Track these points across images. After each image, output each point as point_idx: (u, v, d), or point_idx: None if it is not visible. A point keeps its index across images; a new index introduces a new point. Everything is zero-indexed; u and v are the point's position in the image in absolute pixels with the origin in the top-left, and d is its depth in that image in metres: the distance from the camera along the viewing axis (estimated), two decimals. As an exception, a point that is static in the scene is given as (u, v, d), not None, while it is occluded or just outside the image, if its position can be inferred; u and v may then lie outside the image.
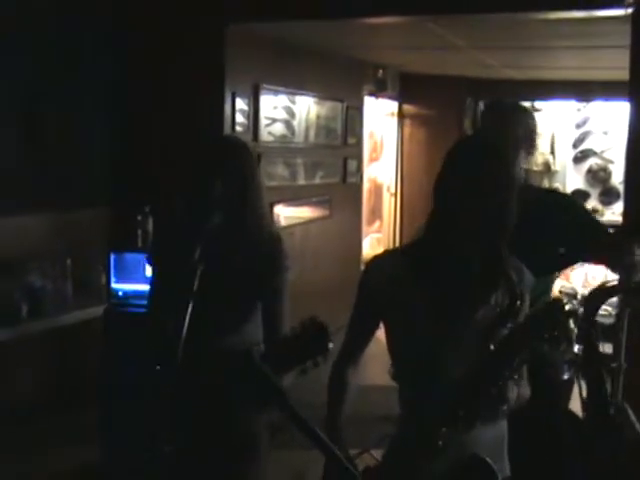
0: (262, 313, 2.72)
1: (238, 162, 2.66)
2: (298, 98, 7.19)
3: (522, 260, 2.28)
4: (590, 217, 3.47)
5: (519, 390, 2.20)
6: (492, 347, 2.06)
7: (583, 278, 8.39)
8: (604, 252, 3.22)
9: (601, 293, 3.11)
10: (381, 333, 2.39)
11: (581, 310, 3.06)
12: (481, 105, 10.02)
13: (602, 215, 9.36)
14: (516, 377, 2.17)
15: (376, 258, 2.43)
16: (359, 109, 8.48)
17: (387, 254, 2.46)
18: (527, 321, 2.09)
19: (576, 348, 3.67)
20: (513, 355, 2.07)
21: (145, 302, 2.94)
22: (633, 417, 3.15)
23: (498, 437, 2.28)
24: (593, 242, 3.20)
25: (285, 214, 6.95)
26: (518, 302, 2.12)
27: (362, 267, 9.46)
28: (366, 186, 9.23)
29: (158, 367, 2.33)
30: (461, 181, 2.13)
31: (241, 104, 6.11)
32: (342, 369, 2.39)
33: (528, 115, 3.35)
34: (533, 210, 2.93)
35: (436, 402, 2.09)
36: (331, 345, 1.98)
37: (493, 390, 2.06)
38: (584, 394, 3.15)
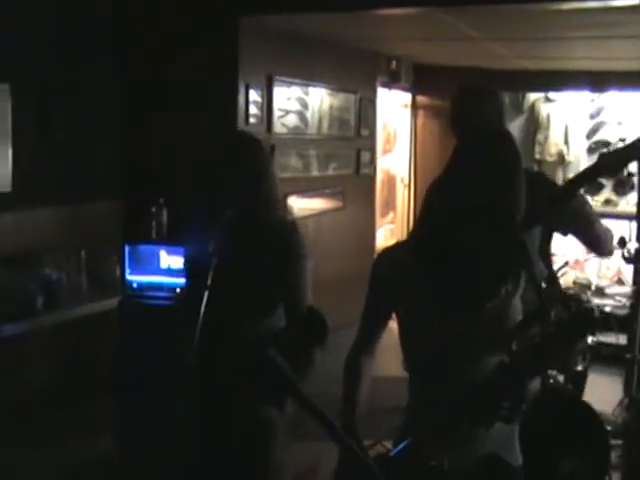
0: (284, 303, 2.74)
1: (250, 157, 2.70)
2: (311, 90, 7.19)
3: None
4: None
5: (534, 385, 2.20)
6: (515, 347, 2.05)
7: (597, 269, 8.36)
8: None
9: None
10: (394, 324, 2.40)
11: (595, 302, 3.06)
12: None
13: (616, 205, 9.33)
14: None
15: (387, 249, 2.44)
16: (372, 100, 8.47)
17: (398, 245, 2.46)
18: (560, 330, 2.07)
19: (590, 340, 3.68)
20: (542, 361, 2.06)
21: (162, 293, 2.97)
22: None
23: (509, 429, 2.28)
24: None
25: (298, 206, 6.95)
26: (545, 305, 2.12)
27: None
28: (379, 177, 9.22)
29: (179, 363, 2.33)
30: (469, 172, 2.14)
31: (254, 96, 6.12)
32: (356, 359, 2.40)
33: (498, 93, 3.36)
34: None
35: (448, 395, 2.09)
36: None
37: (516, 391, 2.05)
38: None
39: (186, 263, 2.94)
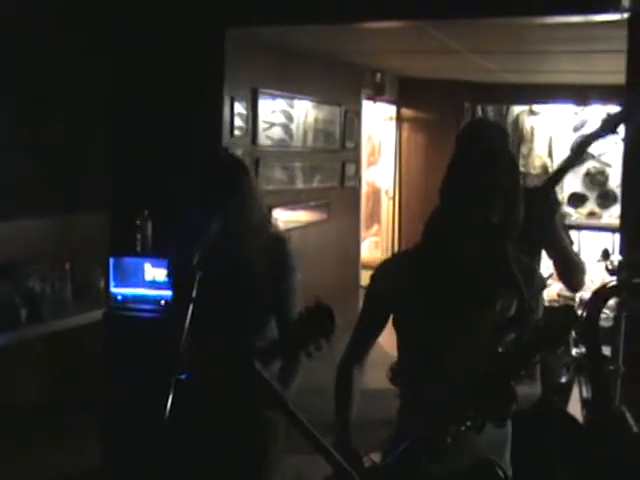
0: (275, 314, 2.76)
1: (236, 184, 2.72)
2: (296, 102, 7.20)
3: None
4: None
5: (532, 391, 2.21)
6: (500, 350, 2.06)
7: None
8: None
9: (603, 294, 3.11)
10: (381, 338, 2.41)
11: (580, 313, 3.07)
12: (479, 109, 10.04)
13: (600, 217, 9.38)
14: (530, 377, 2.18)
15: (386, 261, 2.48)
16: (357, 113, 8.49)
17: (394, 257, 2.49)
18: (542, 327, 2.09)
19: (574, 351, 3.69)
20: (526, 360, 2.07)
21: (146, 306, 2.98)
22: (631, 420, 3.16)
23: (502, 438, 2.29)
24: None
25: (283, 218, 6.95)
26: (526, 306, 2.13)
27: (360, 271, 9.43)
28: (364, 190, 9.24)
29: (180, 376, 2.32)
30: (464, 184, 2.15)
31: (239, 108, 6.12)
32: (348, 370, 2.40)
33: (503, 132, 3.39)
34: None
35: (441, 402, 2.09)
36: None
37: (503, 393, 2.06)
38: (585, 396, 3.16)
39: (170, 275, 2.95)
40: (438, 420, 2.09)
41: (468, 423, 2.06)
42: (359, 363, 2.43)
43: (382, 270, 2.39)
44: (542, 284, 2.29)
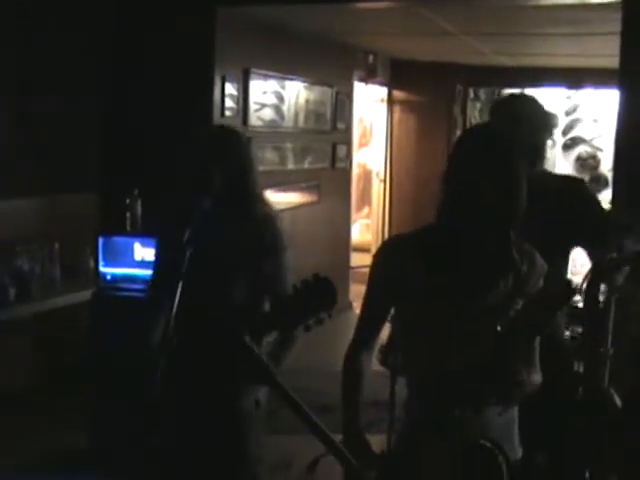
0: (267, 294, 2.74)
1: (236, 152, 2.71)
2: (288, 83, 7.17)
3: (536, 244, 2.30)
4: (601, 207, 3.45)
5: (531, 377, 2.20)
6: (499, 328, 2.05)
7: (570, 265, 8.40)
8: (598, 241, 3.19)
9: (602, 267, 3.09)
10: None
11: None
12: (471, 92, 10.03)
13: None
14: (528, 362, 2.17)
15: (387, 243, 2.44)
16: (349, 95, 8.46)
17: (397, 239, 2.44)
18: (536, 300, 2.08)
19: (567, 334, 3.70)
20: (522, 335, 2.06)
21: (135, 286, 2.96)
22: (619, 401, 3.17)
23: (509, 421, 2.28)
24: (595, 231, 3.17)
25: (274, 199, 6.92)
26: (523, 285, 2.14)
27: (351, 253, 9.43)
28: (355, 172, 9.23)
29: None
30: (473, 170, 2.14)
31: (231, 89, 6.09)
32: (357, 357, 2.34)
33: (539, 105, 3.32)
34: (556, 198, 2.99)
35: (446, 385, 2.08)
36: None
37: (504, 372, 2.05)
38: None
39: (158, 252, 2.93)
40: (439, 403, 2.08)
41: (468, 404, 2.05)
42: (368, 350, 2.36)
43: (386, 251, 2.35)
44: (543, 269, 2.27)
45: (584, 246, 3.23)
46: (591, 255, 3.24)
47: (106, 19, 5.85)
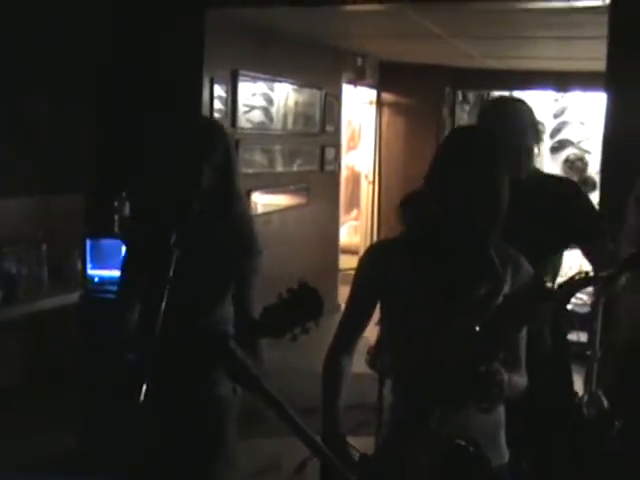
0: (234, 295, 2.68)
1: (224, 146, 2.63)
2: (276, 85, 7.17)
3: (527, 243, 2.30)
4: (592, 206, 3.45)
5: (516, 379, 2.19)
6: (477, 328, 2.06)
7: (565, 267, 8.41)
8: (592, 241, 3.17)
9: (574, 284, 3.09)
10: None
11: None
12: (460, 95, 10.04)
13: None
14: (510, 363, 2.17)
15: (374, 245, 2.46)
16: (337, 97, 8.46)
17: (385, 241, 2.46)
18: (510, 298, 2.08)
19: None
20: (499, 332, 2.06)
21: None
22: (606, 404, 3.17)
23: (495, 423, 2.28)
24: (588, 230, 3.16)
25: (262, 201, 6.93)
26: (500, 286, 2.14)
27: (339, 255, 9.43)
28: (344, 174, 9.23)
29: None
30: (454, 170, 2.15)
31: (219, 91, 6.09)
32: (338, 357, 2.34)
33: (528, 108, 3.33)
34: (546, 198, 3.00)
35: (429, 385, 2.08)
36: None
37: (482, 370, 2.05)
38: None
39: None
40: (422, 402, 2.08)
41: (448, 402, 2.05)
42: (349, 353, 2.35)
43: (373, 255, 2.36)
44: (529, 275, 2.27)
45: (579, 242, 3.22)
46: (586, 252, 3.22)
47: (106, 19, 5.83)
